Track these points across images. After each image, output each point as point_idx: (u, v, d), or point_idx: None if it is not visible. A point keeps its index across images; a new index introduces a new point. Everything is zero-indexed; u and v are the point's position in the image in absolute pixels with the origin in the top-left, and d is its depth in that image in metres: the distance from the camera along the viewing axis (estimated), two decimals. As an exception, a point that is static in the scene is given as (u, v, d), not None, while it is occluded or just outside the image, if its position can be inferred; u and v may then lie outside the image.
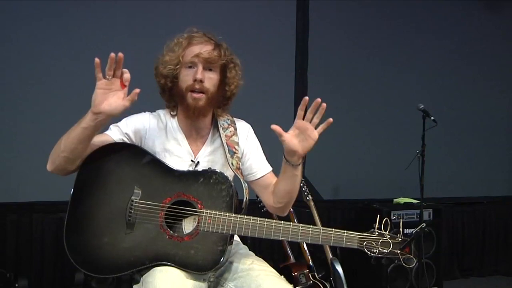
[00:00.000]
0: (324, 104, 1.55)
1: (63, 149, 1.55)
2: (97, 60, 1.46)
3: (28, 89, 3.16)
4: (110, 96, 1.51)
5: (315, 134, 1.57)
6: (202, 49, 1.70)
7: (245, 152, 1.82)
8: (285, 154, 1.62)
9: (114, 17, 3.38)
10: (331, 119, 1.56)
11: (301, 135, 1.58)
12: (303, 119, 1.57)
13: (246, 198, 1.69)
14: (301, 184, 3.23)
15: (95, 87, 1.50)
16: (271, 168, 1.83)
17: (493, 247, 4.48)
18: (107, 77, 1.49)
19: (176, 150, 1.75)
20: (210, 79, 1.71)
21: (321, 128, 1.58)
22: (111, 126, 1.70)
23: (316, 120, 1.57)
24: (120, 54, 1.47)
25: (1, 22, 3.12)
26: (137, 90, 1.51)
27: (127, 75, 1.51)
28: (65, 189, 1.63)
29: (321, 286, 2.97)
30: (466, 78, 4.48)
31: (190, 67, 1.70)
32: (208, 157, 1.78)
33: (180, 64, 1.70)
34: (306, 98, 1.53)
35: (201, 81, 1.68)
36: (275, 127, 1.56)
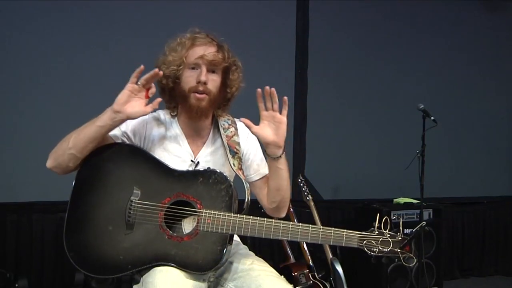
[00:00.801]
0: (273, 89, 1.61)
1: (72, 146, 1.56)
2: (142, 67, 1.59)
3: (28, 89, 3.16)
4: (134, 100, 1.60)
5: (281, 117, 1.63)
6: (206, 50, 1.69)
7: (246, 152, 1.82)
8: (264, 148, 1.68)
9: (114, 17, 3.37)
10: (285, 97, 1.63)
11: (272, 125, 1.64)
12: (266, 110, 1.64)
13: (248, 198, 1.69)
14: (301, 184, 3.24)
15: (125, 88, 1.59)
16: (270, 169, 1.83)
17: (493, 247, 4.47)
18: (138, 83, 1.59)
19: (176, 150, 1.74)
20: (213, 81, 1.71)
21: (283, 110, 1.64)
22: (111, 127, 1.70)
23: (275, 106, 1.63)
24: (161, 72, 1.62)
25: (1, 21, 3.12)
26: (159, 99, 1.63)
27: (153, 89, 1.64)
28: (65, 189, 1.64)
29: (321, 286, 2.97)
30: (466, 78, 4.48)
31: (193, 68, 1.70)
32: (208, 157, 1.77)
33: (183, 65, 1.69)
34: (259, 90, 1.61)
35: (205, 83, 1.68)
36: (244, 120, 1.67)
